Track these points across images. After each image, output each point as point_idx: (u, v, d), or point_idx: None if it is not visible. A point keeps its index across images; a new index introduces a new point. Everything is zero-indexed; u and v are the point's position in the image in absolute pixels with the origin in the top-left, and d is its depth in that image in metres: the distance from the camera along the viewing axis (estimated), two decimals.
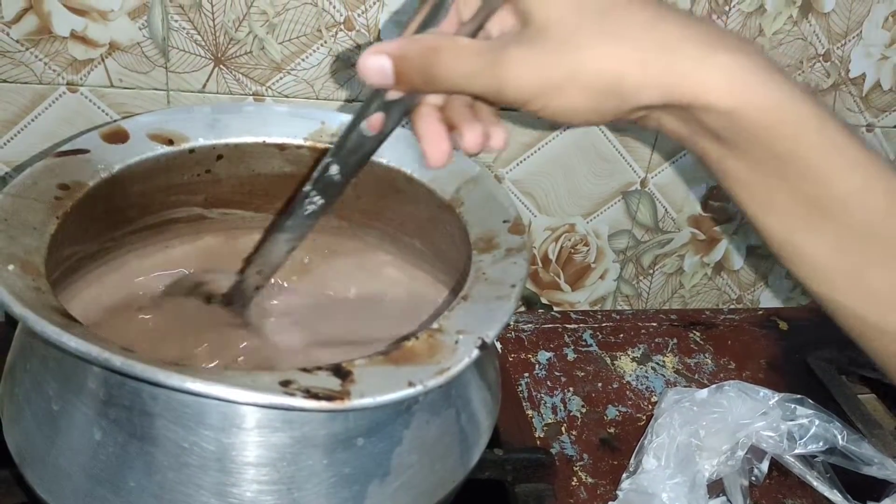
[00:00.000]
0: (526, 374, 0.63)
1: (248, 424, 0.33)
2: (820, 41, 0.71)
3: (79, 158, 0.41)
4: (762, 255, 0.82)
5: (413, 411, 0.36)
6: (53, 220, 0.37)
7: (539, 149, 0.70)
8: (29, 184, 0.38)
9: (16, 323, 0.55)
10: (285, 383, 0.29)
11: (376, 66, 0.33)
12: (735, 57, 0.32)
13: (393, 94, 0.35)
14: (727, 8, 0.67)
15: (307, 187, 0.40)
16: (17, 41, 0.58)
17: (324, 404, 0.29)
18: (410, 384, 0.31)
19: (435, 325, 0.35)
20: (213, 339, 0.43)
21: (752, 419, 0.52)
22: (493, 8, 0.34)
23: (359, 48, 0.62)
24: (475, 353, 0.33)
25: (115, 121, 0.46)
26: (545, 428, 0.59)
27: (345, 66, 0.63)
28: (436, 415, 0.37)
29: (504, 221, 0.43)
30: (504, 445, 0.50)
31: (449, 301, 0.45)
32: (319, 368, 0.31)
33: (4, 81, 0.60)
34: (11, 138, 0.62)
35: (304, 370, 0.30)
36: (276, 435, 0.33)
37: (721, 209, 0.78)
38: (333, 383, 0.30)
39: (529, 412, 0.59)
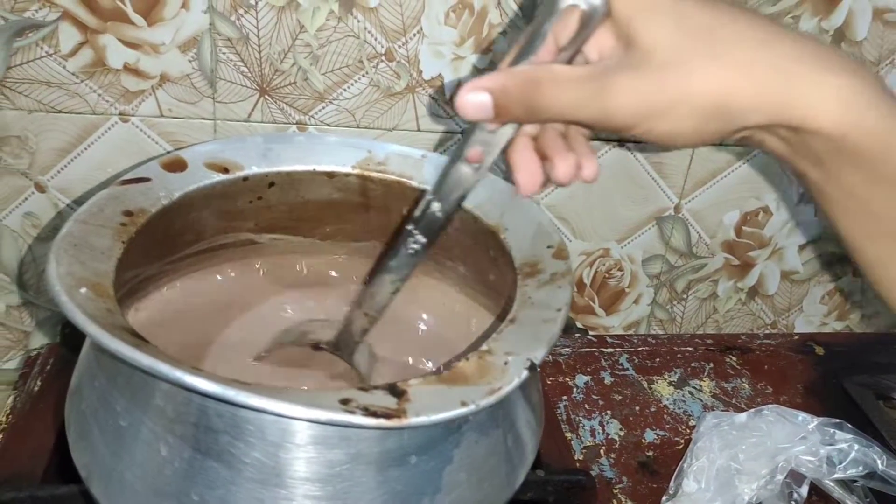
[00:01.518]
0: (564, 398, 0.64)
1: (305, 441, 0.34)
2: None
3: (141, 186, 0.43)
4: (796, 281, 0.82)
5: (463, 431, 0.37)
6: (119, 244, 0.39)
7: None
8: (95, 211, 0.40)
9: (72, 344, 0.57)
10: (345, 401, 0.31)
11: (475, 101, 0.33)
12: (849, 80, 0.31)
13: (491, 127, 0.36)
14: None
15: (410, 226, 0.41)
16: (73, 73, 0.61)
17: (382, 422, 0.30)
18: (463, 403, 0.32)
19: (484, 348, 0.36)
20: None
21: (792, 443, 0.53)
22: (591, 32, 0.34)
23: (398, 77, 0.64)
24: (524, 374, 0.34)
25: (173, 151, 0.49)
26: (584, 451, 0.59)
27: (385, 95, 0.65)
28: (484, 435, 0.38)
29: (548, 247, 0.44)
30: (545, 467, 0.51)
31: (495, 325, 0.46)
32: (376, 387, 0.32)
33: (60, 112, 0.62)
34: (65, 166, 0.64)
35: (362, 388, 0.32)
36: (332, 452, 0.34)
37: (755, 235, 0.78)
38: (390, 402, 0.31)
39: (568, 435, 0.60)
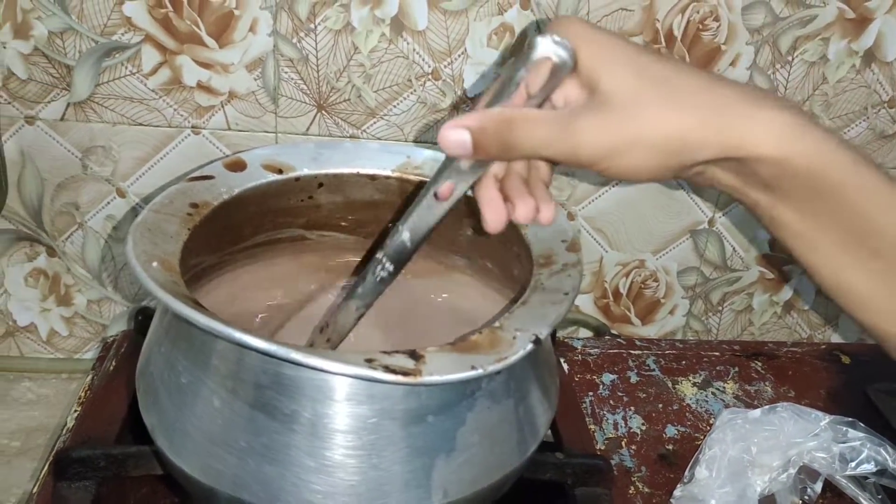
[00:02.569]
0: (590, 393, 0.67)
1: (338, 396, 0.39)
2: (884, 88, 0.73)
3: (206, 183, 0.49)
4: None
5: (476, 397, 0.41)
6: (185, 231, 0.45)
7: (610, 188, 0.74)
8: (166, 202, 0.46)
9: (143, 330, 0.63)
10: (369, 360, 0.36)
11: (456, 138, 0.36)
12: (780, 113, 0.36)
13: (465, 164, 0.39)
14: (790, 58, 0.70)
15: (379, 255, 0.43)
16: (153, 90, 0.67)
17: (399, 378, 0.35)
18: (473, 368, 0.36)
19: (496, 324, 0.40)
20: None
21: (804, 439, 0.55)
22: (559, 81, 0.37)
23: (444, 95, 0.69)
24: (530, 346, 0.38)
25: (235, 153, 0.55)
26: (606, 441, 0.62)
27: (431, 111, 0.70)
28: (496, 402, 0.43)
29: (562, 241, 0.48)
30: (565, 451, 0.54)
31: (509, 307, 0.51)
32: (397, 351, 0.37)
33: (140, 125, 0.68)
34: (143, 174, 0.70)
35: (385, 352, 0.37)
36: (360, 407, 0.39)
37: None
38: (408, 363, 0.36)
39: (592, 427, 0.63)
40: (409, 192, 0.56)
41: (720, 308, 0.83)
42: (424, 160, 0.56)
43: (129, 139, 0.69)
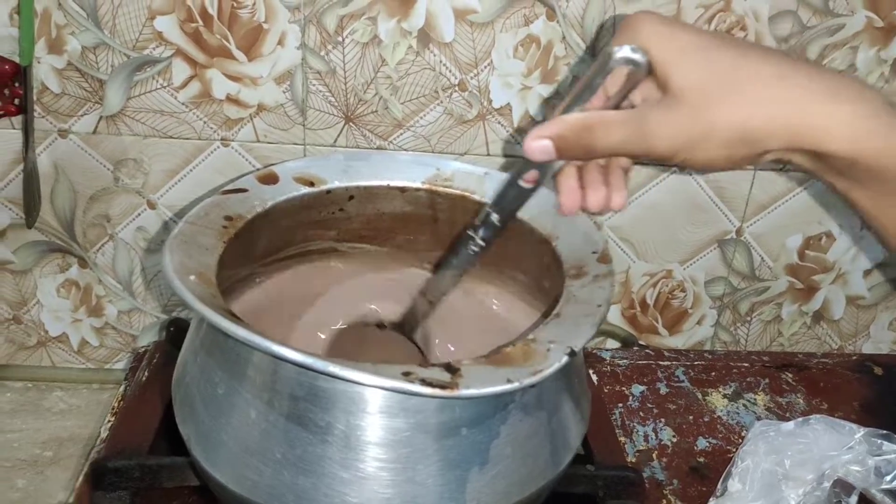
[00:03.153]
0: (620, 405, 0.67)
1: (372, 409, 0.39)
2: None
3: (240, 196, 0.50)
4: (863, 306, 0.82)
5: (510, 409, 0.41)
6: (221, 244, 0.45)
7: (637, 198, 0.74)
8: (202, 214, 0.47)
9: (175, 341, 0.64)
10: (406, 373, 0.36)
11: (539, 146, 0.40)
12: (856, 107, 0.36)
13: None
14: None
15: (470, 232, 0.48)
16: (183, 103, 0.67)
17: (437, 391, 0.35)
18: (508, 381, 0.37)
19: (530, 336, 0.40)
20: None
21: (839, 452, 0.54)
22: (635, 85, 0.40)
23: (470, 106, 0.69)
24: (565, 359, 0.38)
25: (267, 166, 0.55)
26: (637, 454, 0.62)
27: (458, 123, 0.70)
28: (529, 415, 0.43)
29: (593, 252, 0.48)
30: (596, 464, 0.54)
31: (541, 320, 0.51)
32: (433, 365, 0.37)
33: (170, 137, 0.69)
34: (172, 186, 0.71)
35: (421, 365, 0.37)
36: (395, 420, 0.39)
37: (818, 259, 0.79)
38: (445, 376, 0.36)
39: (622, 439, 0.63)
40: (439, 205, 0.57)
41: (748, 318, 0.82)
42: (454, 172, 0.57)
43: (160, 152, 0.70)
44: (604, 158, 0.44)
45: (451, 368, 0.37)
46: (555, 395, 0.45)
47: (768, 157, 0.39)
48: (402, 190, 0.56)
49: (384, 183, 0.56)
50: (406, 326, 0.56)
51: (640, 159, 0.42)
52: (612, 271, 0.46)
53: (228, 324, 0.36)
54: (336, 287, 0.58)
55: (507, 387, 0.36)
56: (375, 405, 0.39)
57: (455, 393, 0.35)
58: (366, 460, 0.39)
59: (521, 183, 0.44)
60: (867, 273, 0.80)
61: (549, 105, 0.70)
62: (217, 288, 0.41)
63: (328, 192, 0.54)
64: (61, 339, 0.78)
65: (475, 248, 0.48)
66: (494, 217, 0.47)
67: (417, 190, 0.56)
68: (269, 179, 0.52)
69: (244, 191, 0.51)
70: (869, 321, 0.84)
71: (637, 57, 0.38)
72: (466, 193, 0.56)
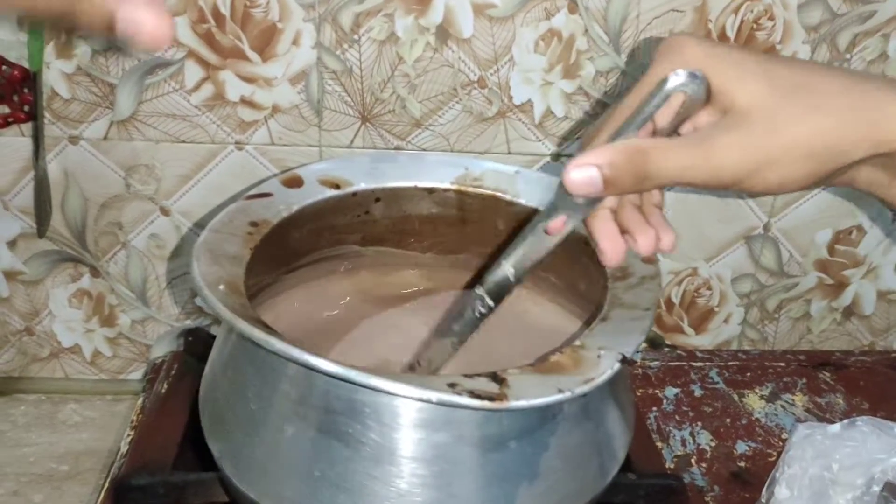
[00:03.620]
0: (654, 408, 0.65)
1: (414, 423, 0.37)
2: None
3: (264, 200, 0.48)
4: (894, 301, 0.80)
5: (558, 420, 0.40)
6: (247, 251, 0.43)
7: None
8: (227, 221, 0.45)
9: (194, 351, 0.62)
10: (452, 385, 0.34)
11: (584, 177, 0.34)
12: None
13: (581, 199, 0.37)
14: (848, 56, 0.68)
15: (479, 290, 0.42)
16: (196, 106, 0.66)
17: (486, 403, 0.33)
18: (560, 390, 0.35)
19: (577, 343, 0.38)
20: None
21: (888, 455, 0.52)
22: (693, 110, 0.36)
23: (490, 103, 0.67)
24: (617, 365, 0.36)
25: (290, 169, 0.53)
26: (675, 459, 0.60)
27: (477, 120, 0.68)
28: (577, 426, 0.41)
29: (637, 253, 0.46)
30: (636, 471, 0.52)
31: (583, 327, 0.49)
32: (479, 375, 0.35)
33: (183, 142, 0.68)
34: (186, 191, 0.70)
35: (466, 376, 0.35)
36: (438, 434, 0.37)
37: (848, 253, 0.77)
38: (492, 387, 0.34)
39: (659, 444, 0.61)
40: (468, 206, 0.55)
41: (777, 316, 0.81)
42: (483, 172, 0.55)
43: (172, 156, 0.68)
44: (636, 197, 0.40)
45: (497, 378, 0.35)
46: (602, 403, 0.43)
47: (847, 173, 0.37)
48: (430, 191, 0.54)
49: (411, 184, 0.54)
50: None
51: (698, 187, 0.38)
52: (659, 272, 0.44)
53: (265, 336, 0.34)
54: (360, 293, 0.56)
55: (559, 397, 0.34)
56: (418, 418, 0.37)
57: (505, 405, 0.33)
58: (408, 476, 0.37)
59: (547, 230, 0.38)
60: None
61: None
62: (246, 297, 0.39)
63: (354, 194, 0.52)
64: (74, 349, 0.77)
65: (483, 311, 0.42)
66: (510, 272, 0.40)
67: (446, 191, 0.55)
68: (294, 183, 0.50)
69: (269, 195, 0.49)
70: None
71: (695, 82, 0.35)
72: (497, 193, 0.54)
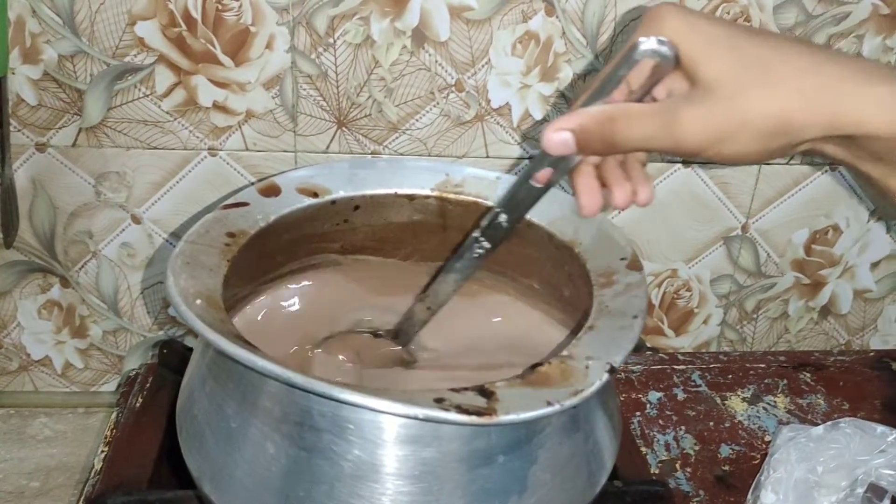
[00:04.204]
0: (637, 413, 0.65)
1: (400, 439, 0.36)
2: None
3: (241, 210, 0.47)
4: (870, 299, 0.81)
5: (547, 433, 0.39)
6: (225, 262, 0.42)
7: None
8: (203, 232, 0.44)
9: (169, 364, 0.61)
10: (439, 400, 0.33)
11: (559, 139, 0.38)
12: (893, 87, 0.35)
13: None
14: None
15: (476, 234, 0.45)
16: (167, 112, 0.65)
17: (475, 419, 0.32)
18: (549, 403, 0.34)
19: (565, 353, 0.38)
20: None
21: (871, 456, 0.53)
22: (660, 79, 0.38)
23: (468, 107, 0.67)
24: (605, 376, 0.36)
25: (268, 177, 0.52)
26: (660, 465, 0.60)
27: (455, 124, 0.68)
28: (567, 437, 0.40)
29: (622, 259, 0.46)
30: (622, 479, 0.52)
31: (570, 336, 0.48)
32: (466, 389, 0.34)
33: (154, 148, 0.67)
34: (158, 199, 0.69)
35: (453, 390, 0.34)
36: (426, 450, 0.36)
37: (825, 253, 0.78)
38: (480, 401, 0.34)
39: (643, 449, 0.61)
40: (450, 213, 0.54)
41: (755, 316, 0.81)
42: (465, 178, 0.54)
43: (144, 163, 0.67)
44: (622, 154, 0.42)
45: (485, 392, 0.34)
46: (590, 413, 0.42)
47: (802, 147, 0.37)
48: (411, 198, 0.53)
49: (391, 191, 0.53)
50: (402, 335, 0.53)
51: (663, 154, 0.40)
52: (645, 279, 0.44)
53: (246, 353, 0.33)
54: (342, 305, 0.55)
55: (548, 410, 0.34)
56: (404, 434, 0.36)
57: (494, 420, 0.32)
58: (394, 494, 0.36)
59: (532, 182, 0.42)
60: (874, 266, 0.80)
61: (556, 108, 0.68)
62: (225, 312, 0.38)
63: (333, 202, 0.51)
64: (44, 362, 0.75)
65: (480, 251, 0.46)
66: (502, 218, 0.44)
67: (427, 197, 0.54)
68: (271, 191, 0.49)
69: (245, 204, 0.48)
70: (876, 315, 0.83)
71: (664, 49, 0.37)
72: (479, 200, 0.53)
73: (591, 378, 0.36)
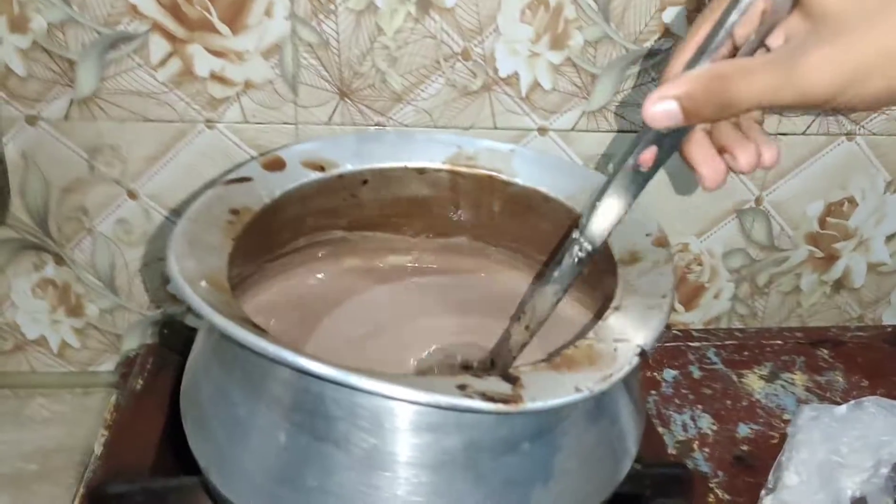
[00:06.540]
0: (653, 392, 0.64)
1: (420, 428, 0.35)
2: None
3: (245, 186, 0.44)
4: (884, 273, 0.80)
5: (573, 419, 0.37)
6: (229, 241, 0.40)
7: None
8: (204, 209, 0.42)
9: (170, 344, 0.59)
10: (462, 387, 0.31)
11: (663, 110, 0.33)
12: None
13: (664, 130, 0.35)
14: None
15: (576, 234, 0.40)
16: (162, 83, 0.63)
17: (500, 406, 0.30)
18: (577, 389, 0.32)
19: (591, 335, 0.36)
20: None
21: (895, 436, 0.51)
22: (775, 22, 0.34)
23: (475, 76, 0.64)
24: (635, 360, 0.34)
25: (271, 150, 0.50)
26: (677, 445, 0.59)
27: (462, 94, 0.65)
28: (592, 423, 0.38)
29: (647, 235, 0.44)
30: (641, 460, 0.50)
31: (594, 317, 0.46)
32: (489, 374, 0.32)
33: (150, 120, 0.64)
34: (155, 173, 0.66)
35: (476, 376, 0.32)
36: (447, 438, 0.35)
37: (839, 226, 0.76)
38: (505, 388, 0.32)
39: (660, 429, 0.60)
40: (462, 187, 0.52)
41: (767, 290, 0.80)
42: (477, 150, 0.52)
43: (139, 136, 0.65)
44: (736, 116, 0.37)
45: (509, 378, 0.32)
46: (616, 398, 0.40)
47: None
48: (421, 171, 0.51)
49: (401, 164, 0.51)
50: (498, 362, 0.46)
51: (788, 109, 0.35)
52: (672, 256, 0.42)
53: (255, 338, 0.31)
54: (353, 288, 0.53)
55: (576, 396, 0.32)
56: (424, 422, 0.35)
57: (520, 407, 0.31)
58: (413, 485, 0.35)
59: (638, 166, 0.37)
60: (889, 239, 0.78)
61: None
62: (230, 293, 0.36)
63: (340, 176, 0.49)
64: (40, 342, 0.74)
65: (581, 255, 0.39)
66: (605, 212, 0.39)
67: (438, 171, 0.51)
68: (276, 165, 0.47)
69: (248, 179, 0.45)
70: (890, 288, 0.82)
71: None
72: (493, 173, 0.50)
73: (619, 362, 0.34)
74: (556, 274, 0.41)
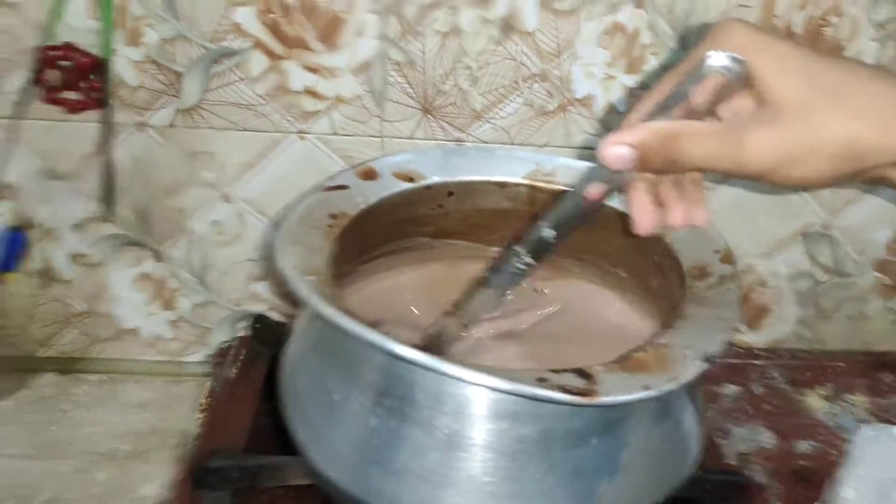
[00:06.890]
0: (713, 405, 0.65)
1: (499, 416, 0.38)
2: None
3: (342, 193, 0.49)
4: None
5: (639, 417, 0.40)
6: (328, 242, 0.44)
7: (718, 189, 0.72)
8: (306, 213, 0.46)
9: (261, 337, 0.63)
10: (541, 380, 0.34)
11: (617, 154, 0.36)
12: None
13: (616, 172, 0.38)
14: None
15: (518, 247, 0.44)
16: (260, 96, 0.67)
17: (577, 398, 0.34)
18: (646, 388, 0.35)
19: (662, 341, 0.39)
20: None
21: None
22: (729, 93, 0.37)
23: (551, 97, 0.67)
24: (703, 365, 0.37)
25: (366, 161, 0.54)
26: (735, 456, 0.60)
27: (538, 114, 0.68)
28: (657, 423, 0.41)
29: (715, 251, 0.46)
30: (701, 466, 0.52)
31: (657, 326, 0.49)
32: (565, 370, 0.35)
33: (247, 130, 0.68)
34: (249, 180, 0.70)
35: (553, 371, 0.35)
36: (524, 427, 0.38)
37: None
38: (580, 382, 0.35)
39: (720, 441, 0.61)
40: (540, 201, 0.55)
41: (832, 315, 0.79)
42: (555, 168, 0.55)
43: (236, 145, 0.69)
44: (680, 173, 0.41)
45: (584, 374, 0.35)
46: (681, 400, 0.43)
47: (872, 173, 0.37)
48: (502, 185, 0.55)
49: (484, 178, 0.54)
50: (432, 351, 0.50)
51: (724, 175, 0.39)
52: (738, 273, 0.44)
53: (363, 329, 0.35)
54: (431, 286, 0.56)
55: (645, 394, 0.35)
56: (503, 411, 0.38)
57: (595, 400, 0.34)
58: (490, 469, 0.38)
59: (583, 198, 0.40)
60: None
61: (634, 96, 0.67)
62: (334, 288, 0.40)
63: (428, 187, 0.53)
64: (135, 332, 0.78)
65: (521, 267, 0.44)
66: (548, 234, 0.42)
67: (518, 185, 0.55)
68: (369, 175, 0.51)
69: (345, 187, 0.49)
70: None
71: (735, 65, 0.35)
72: (569, 189, 0.53)
73: (687, 366, 0.37)
74: (495, 280, 0.46)
